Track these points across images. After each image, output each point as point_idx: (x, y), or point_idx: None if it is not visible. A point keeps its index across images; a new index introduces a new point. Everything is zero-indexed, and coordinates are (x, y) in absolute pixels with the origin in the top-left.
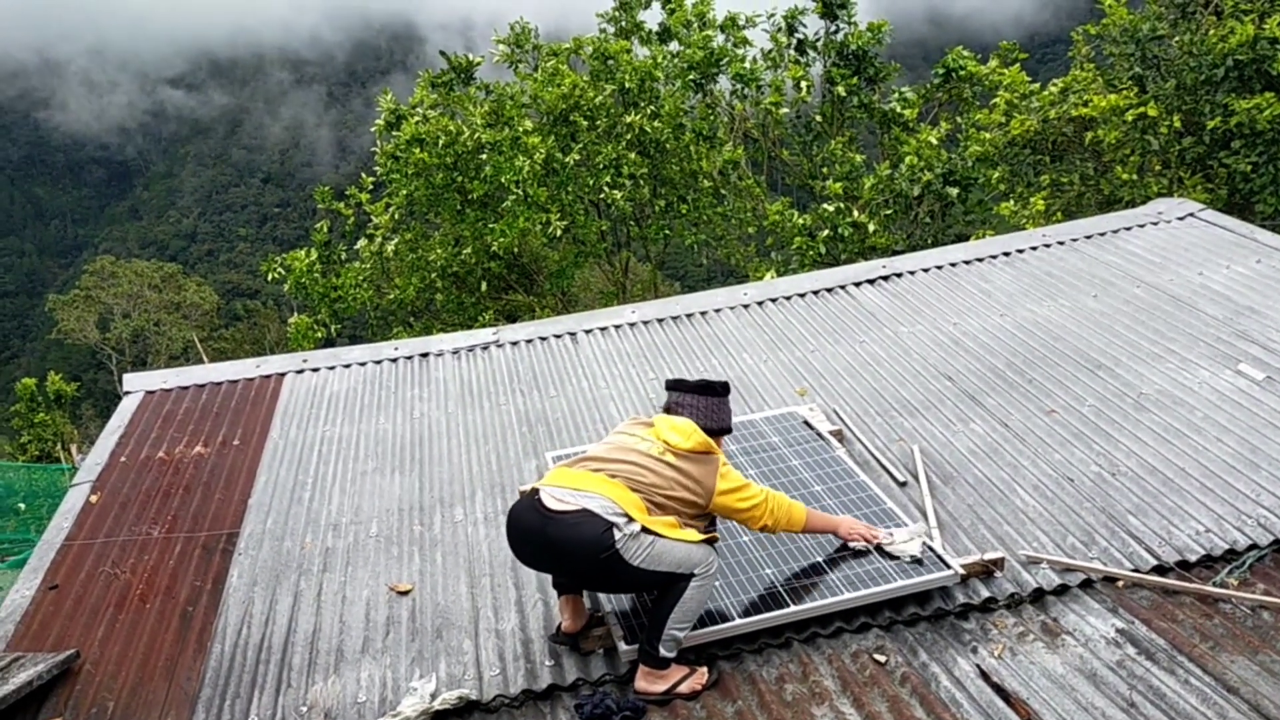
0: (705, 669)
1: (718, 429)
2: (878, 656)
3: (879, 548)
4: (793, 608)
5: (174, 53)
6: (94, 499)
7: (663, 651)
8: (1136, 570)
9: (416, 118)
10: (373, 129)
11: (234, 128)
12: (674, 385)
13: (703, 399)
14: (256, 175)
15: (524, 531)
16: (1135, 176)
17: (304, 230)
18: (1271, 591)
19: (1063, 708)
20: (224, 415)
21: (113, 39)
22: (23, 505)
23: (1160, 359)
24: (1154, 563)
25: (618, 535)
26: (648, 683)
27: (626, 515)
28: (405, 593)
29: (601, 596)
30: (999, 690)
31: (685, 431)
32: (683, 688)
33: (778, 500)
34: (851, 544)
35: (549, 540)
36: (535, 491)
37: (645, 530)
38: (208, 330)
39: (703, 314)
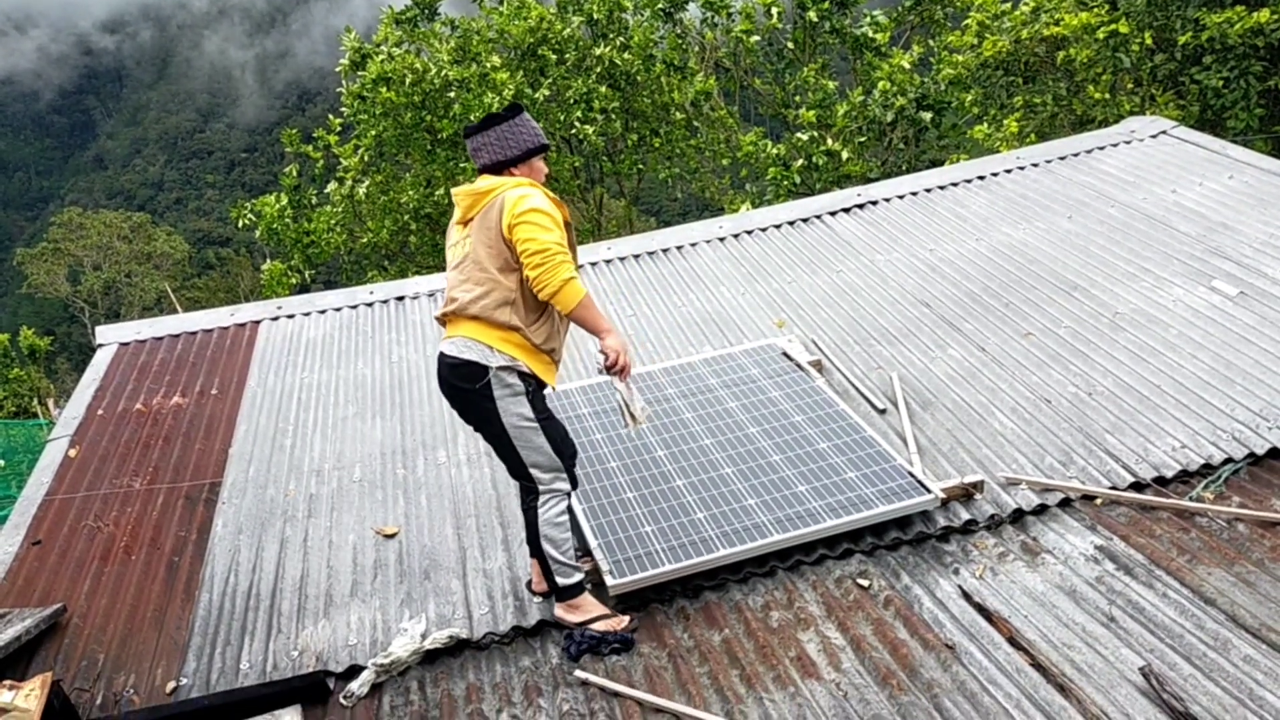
0: (627, 617)
1: (519, 154)
2: (861, 581)
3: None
4: (776, 536)
5: None
6: (73, 453)
7: (559, 580)
8: (1114, 488)
9: (381, 56)
10: (336, 69)
11: (162, 68)
12: (466, 134)
13: (490, 133)
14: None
15: (440, 384)
16: (1108, 95)
17: (273, 175)
18: (1246, 504)
19: (1044, 624)
20: (200, 365)
21: None
22: (1, 461)
23: (1135, 278)
24: (1131, 480)
25: (492, 374)
26: (564, 612)
27: (488, 347)
28: (391, 536)
29: (586, 532)
30: (981, 610)
31: (463, 202)
32: (598, 627)
33: (569, 268)
34: (606, 368)
35: (446, 385)
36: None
37: (507, 370)
38: (180, 280)
39: (679, 248)
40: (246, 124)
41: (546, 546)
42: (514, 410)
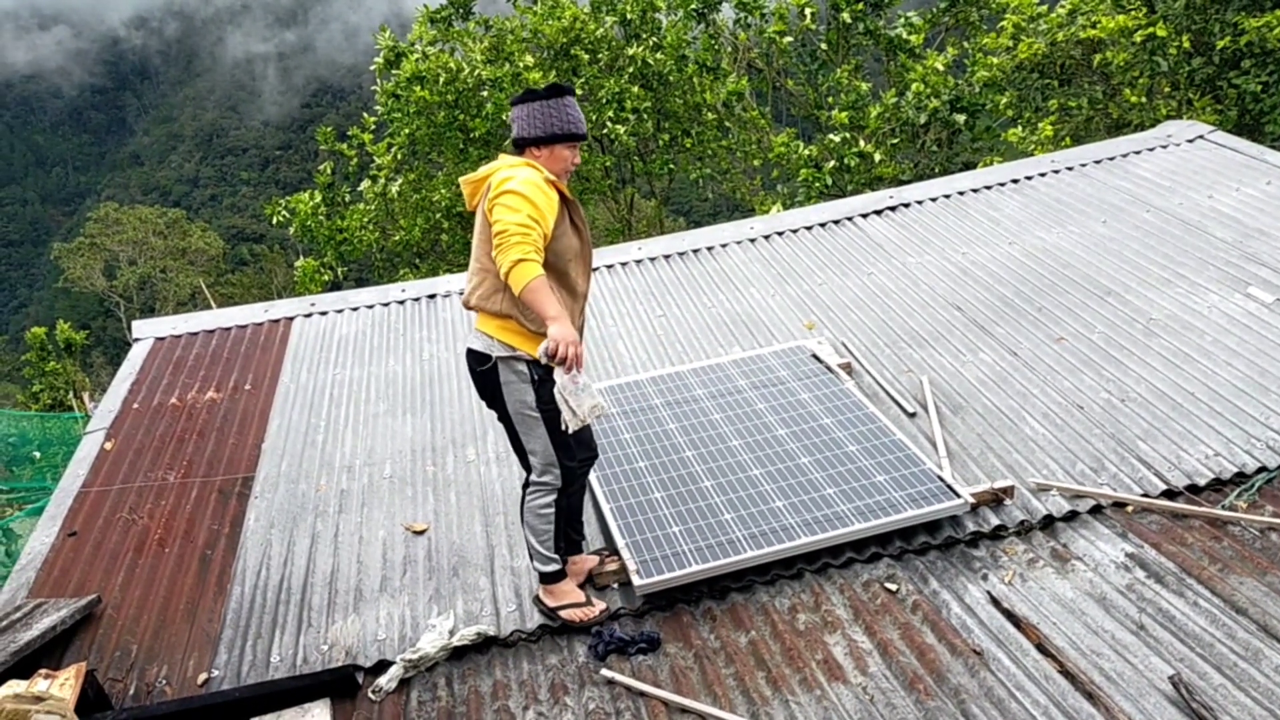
0: (603, 606)
1: (541, 135)
2: (889, 585)
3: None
4: (804, 539)
5: None
6: (108, 446)
7: (538, 566)
8: (1146, 495)
9: (416, 55)
10: (371, 68)
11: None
12: (511, 103)
13: (524, 106)
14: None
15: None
16: (1144, 99)
17: (307, 173)
18: None
19: (1073, 631)
20: (234, 360)
21: None
22: (38, 454)
23: (1169, 284)
24: (1163, 487)
25: (498, 361)
26: (543, 594)
27: (490, 337)
28: (421, 532)
29: (614, 532)
30: (1009, 616)
31: (466, 190)
32: (566, 613)
33: (522, 249)
34: (548, 357)
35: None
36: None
37: (512, 359)
38: (214, 276)
39: (709, 249)
40: (277, 121)
41: (526, 533)
42: (518, 396)
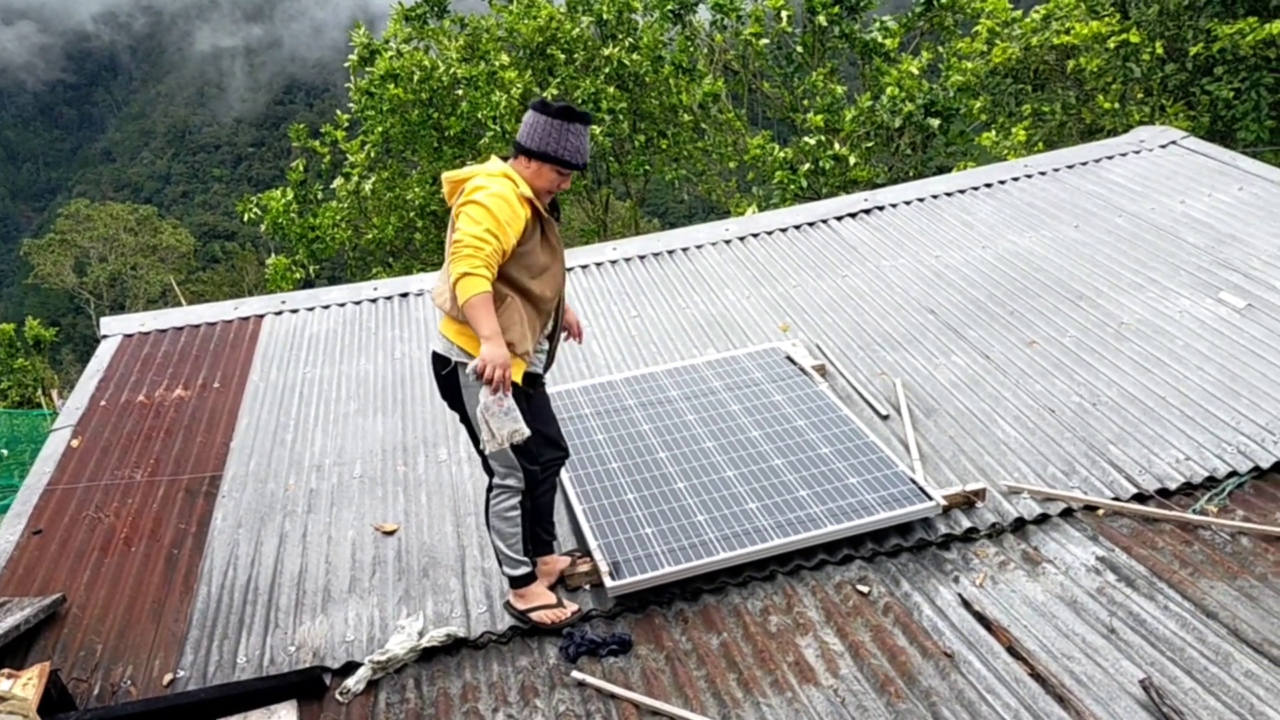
0: (575, 608)
1: (530, 147)
2: (861, 587)
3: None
4: (776, 541)
5: None
6: (75, 443)
7: (505, 570)
8: (1117, 499)
9: (390, 53)
10: (345, 65)
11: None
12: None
13: (535, 115)
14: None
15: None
16: (1117, 105)
17: (280, 170)
18: (1250, 518)
19: (1043, 634)
20: (203, 358)
21: None
22: (4, 451)
23: (1141, 288)
24: (1134, 491)
25: (455, 363)
26: (514, 599)
27: (449, 341)
28: (391, 533)
29: (586, 533)
30: (980, 618)
31: (446, 189)
32: (537, 615)
33: (470, 263)
34: (475, 374)
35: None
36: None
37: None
38: (185, 273)
39: (684, 250)
40: (249, 118)
41: (493, 536)
42: (475, 399)
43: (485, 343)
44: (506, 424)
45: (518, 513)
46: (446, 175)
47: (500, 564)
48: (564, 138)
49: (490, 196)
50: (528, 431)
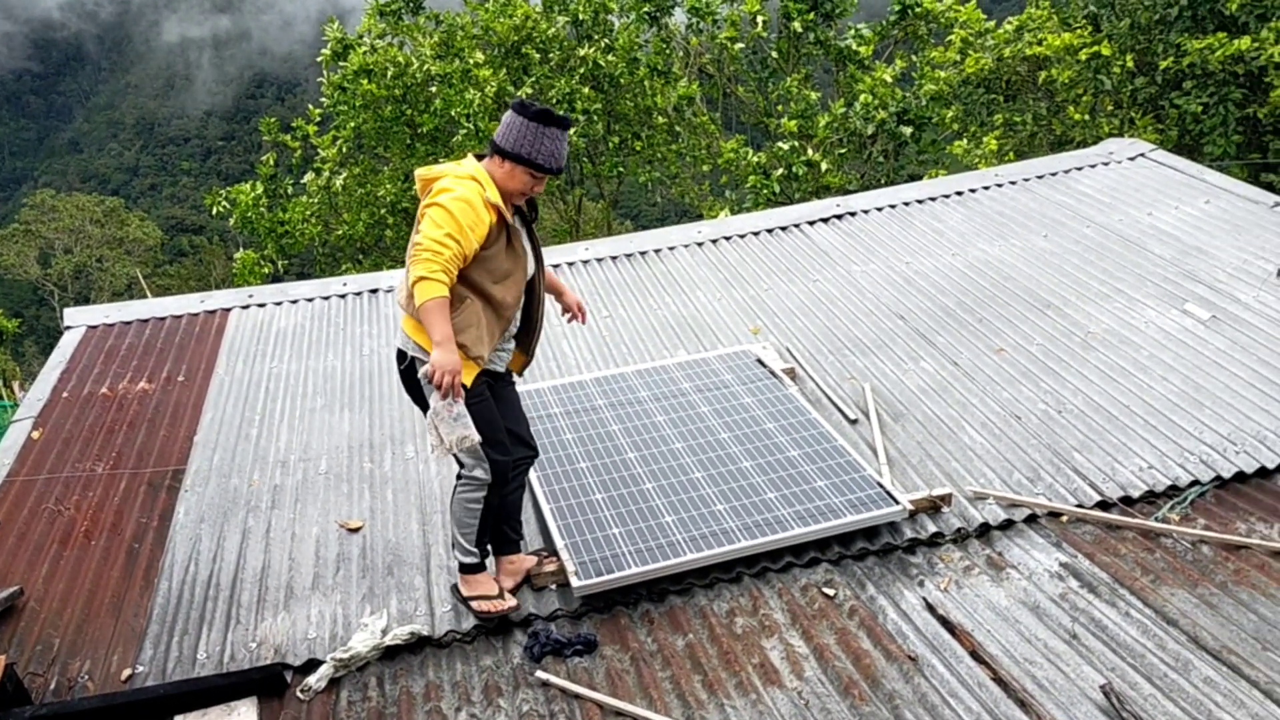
0: (514, 604)
1: (503, 147)
2: (826, 590)
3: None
4: (744, 543)
5: None
6: (36, 435)
7: (456, 555)
8: (1080, 506)
9: (364, 48)
10: (319, 59)
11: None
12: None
13: (513, 115)
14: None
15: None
16: (1087, 117)
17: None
18: (1212, 526)
19: (1006, 639)
20: (168, 351)
21: None
22: None
23: (1108, 298)
24: (1098, 498)
25: (411, 358)
26: (461, 583)
27: (408, 337)
28: (356, 530)
29: (553, 532)
30: (944, 623)
31: (418, 185)
32: (476, 604)
33: (427, 267)
34: (426, 378)
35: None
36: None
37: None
38: (152, 267)
39: (656, 252)
40: (219, 111)
41: (451, 524)
42: (434, 397)
43: (436, 348)
44: (456, 429)
45: (480, 506)
46: (419, 172)
47: (453, 547)
48: (539, 141)
49: (454, 200)
50: (478, 437)
